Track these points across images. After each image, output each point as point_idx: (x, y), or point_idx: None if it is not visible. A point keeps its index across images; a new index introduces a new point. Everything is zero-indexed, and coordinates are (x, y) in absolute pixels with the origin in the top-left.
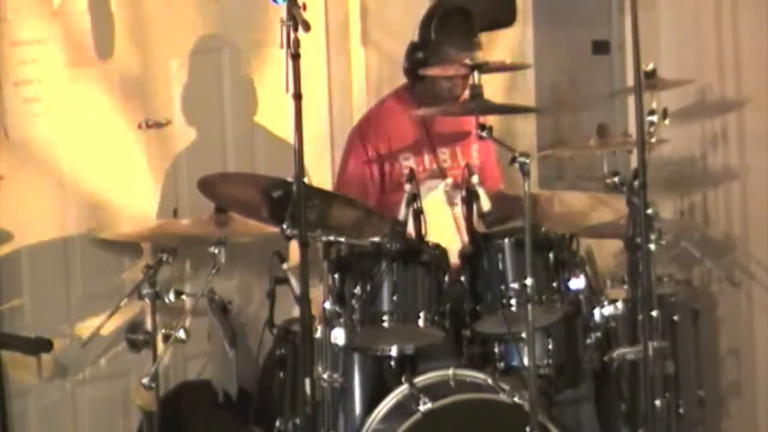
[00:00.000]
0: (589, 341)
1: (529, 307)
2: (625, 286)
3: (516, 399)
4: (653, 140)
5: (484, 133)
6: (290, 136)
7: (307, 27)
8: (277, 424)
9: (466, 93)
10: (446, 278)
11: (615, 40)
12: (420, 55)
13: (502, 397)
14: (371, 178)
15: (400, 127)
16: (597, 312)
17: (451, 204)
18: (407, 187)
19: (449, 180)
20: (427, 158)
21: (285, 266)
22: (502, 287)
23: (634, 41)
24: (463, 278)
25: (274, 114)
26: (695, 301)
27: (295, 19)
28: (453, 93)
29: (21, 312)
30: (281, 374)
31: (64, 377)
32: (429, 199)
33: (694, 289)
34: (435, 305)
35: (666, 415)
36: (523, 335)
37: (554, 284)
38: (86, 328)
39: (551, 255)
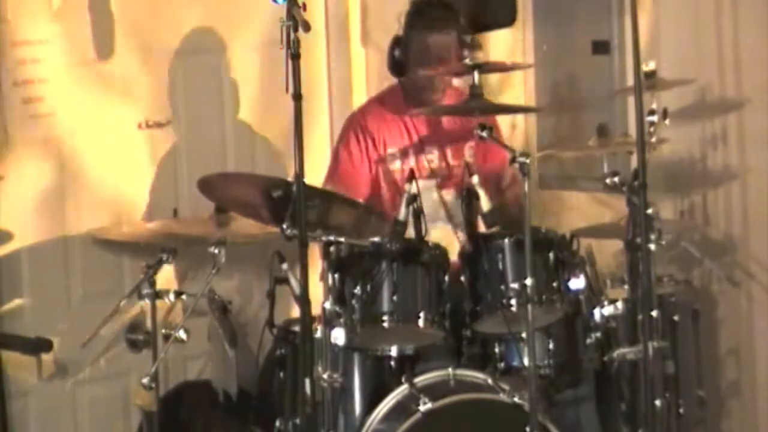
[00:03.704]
0: (589, 341)
1: (529, 307)
2: (625, 286)
3: (516, 399)
4: (653, 140)
5: (484, 133)
6: (290, 136)
7: (307, 27)
8: (277, 424)
9: (459, 83)
10: (446, 278)
11: (615, 40)
12: (397, 51)
13: (502, 397)
14: (364, 169)
15: (389, 125)
16: (597, 312)
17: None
18: (407, 187)
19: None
20: (412, 158)
21: (285, 266)
22: (502, 287)
23: (634, 41)
24: (463, 278)
25: (274, 114)
26: (695, 301)
27: (295, 19)
28: (431, 82)
29: (21, 312)
30: (281, 374)
31: (64, 377)
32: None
33: (694, 289)
34: (435, 305)
35: (666, 415)
36: (523, 335)
37: (554, 284)
38: (86, 328)
39: (551, 255)
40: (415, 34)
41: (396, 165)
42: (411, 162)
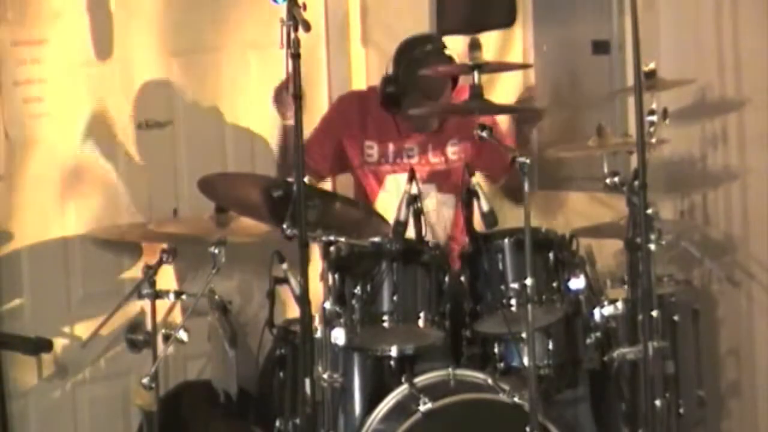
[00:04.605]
0: (589, 341)
1: (529, 307)
2: (625, 286)
3: (516, 399)
4: (653, 140)
5: (484, 133)
6: None
7: (307, 27)
8: (277, 424)
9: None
10: (446, 278)
11: (615, 40)
12: (391, 89)
13: (502, 397)
14: (330, 148)
15: (372, 117)
16: (597, 312)
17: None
18: (407, 187)
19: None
20: (391, 148)
21: (285, 266)
22: (502, 287)
23: (634, 41)
24: (463, 278)
25: (274, 114)
26: (695, 301)
27: (295, 19)
28: (427, 123)
29: (21, 312)
30: (281, 374)
31: (64, 377)
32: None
33: (694, 289)
34: (435, 305)
35: (666, 415)
36: (523, 335)
37: (554, 284)
38: (86, 328)
39: (551, 255)
40: (410, 73)
41: (373, 158)
42: (390, 156)
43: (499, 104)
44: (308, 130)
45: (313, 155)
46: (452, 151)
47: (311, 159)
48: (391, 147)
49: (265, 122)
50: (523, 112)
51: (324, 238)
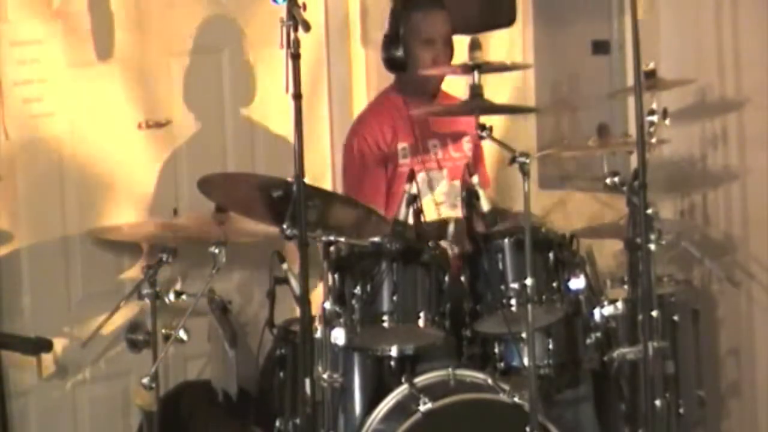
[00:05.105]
0: (589, 341)
1: (529, 307)
2: (625, 286)
3: (516, 399)
4: (653, 140)
5: (484, 133)
6: (290, 136)
7: (307, 27)
8: (277, 424)
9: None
10: (446, 278)
11: (615, 40)
12: (394, 46)
13: (502, 397)
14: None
15: (390, 127)
16: (597, 312)
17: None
18: (407, 186)
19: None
20: (419, 145)
21: (285, 266)
22: (502, 287)
23: (634, 41)
24: (463, 278)
25: (274, 114)
26: (695, 301)
27: (295, 19)
28: (437, 62)
29: (21, 312)
30: (281, 374)
31: (64, 377)
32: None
33: (694, 289)
34: (435, 305)
35: (666, 415)
36: (523, 335)
37: (554, 284)
38: (86, 328)
39: (551, 255)
40: (412, 19)
41: (407, 154)
42: (420, 150)
43: (499, 104)
44: (308, 131)
45: (380, 204)
46: (468, 147)
47: (381, 207)
48: (419, 144)
49: (265, 122)
50: (520, 111)
51: (324, 238)
